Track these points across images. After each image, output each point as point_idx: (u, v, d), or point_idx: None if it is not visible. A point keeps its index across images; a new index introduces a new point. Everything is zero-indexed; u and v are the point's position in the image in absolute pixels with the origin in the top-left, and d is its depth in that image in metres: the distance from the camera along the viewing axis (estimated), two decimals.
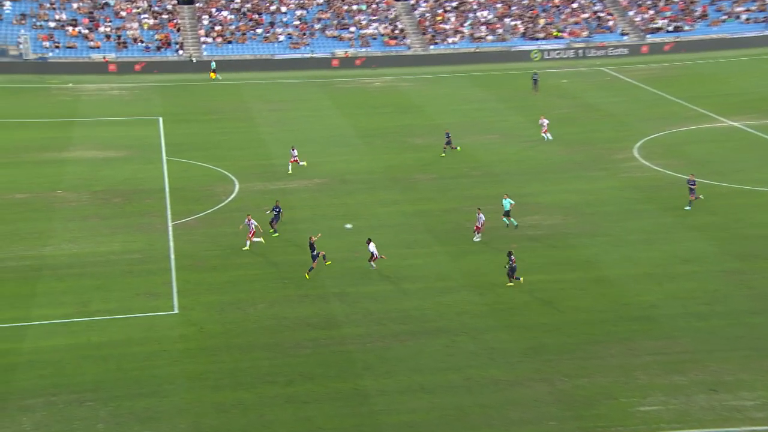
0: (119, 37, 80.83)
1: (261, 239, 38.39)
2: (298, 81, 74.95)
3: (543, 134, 53.92)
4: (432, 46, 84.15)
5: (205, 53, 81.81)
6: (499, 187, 45.74)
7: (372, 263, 36.01)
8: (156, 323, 32.37)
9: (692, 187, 41.11)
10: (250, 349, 30.37)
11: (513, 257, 34.45)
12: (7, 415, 26.66)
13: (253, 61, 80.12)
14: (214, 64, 76.77)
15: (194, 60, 79.58)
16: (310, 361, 29.58)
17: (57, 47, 78.96)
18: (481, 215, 38.77)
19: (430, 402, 27.29)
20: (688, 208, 41.36)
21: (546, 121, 54.71)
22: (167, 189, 46.67)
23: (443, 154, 51.24)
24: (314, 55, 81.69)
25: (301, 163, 49.58)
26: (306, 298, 34.41)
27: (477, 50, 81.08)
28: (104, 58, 78.46)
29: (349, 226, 38.85)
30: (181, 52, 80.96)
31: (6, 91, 69.73)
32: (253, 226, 37.81)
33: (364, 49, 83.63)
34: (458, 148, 51.80)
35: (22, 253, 38.03)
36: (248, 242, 37.95)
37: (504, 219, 39.80)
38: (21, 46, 78.38)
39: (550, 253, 37.40)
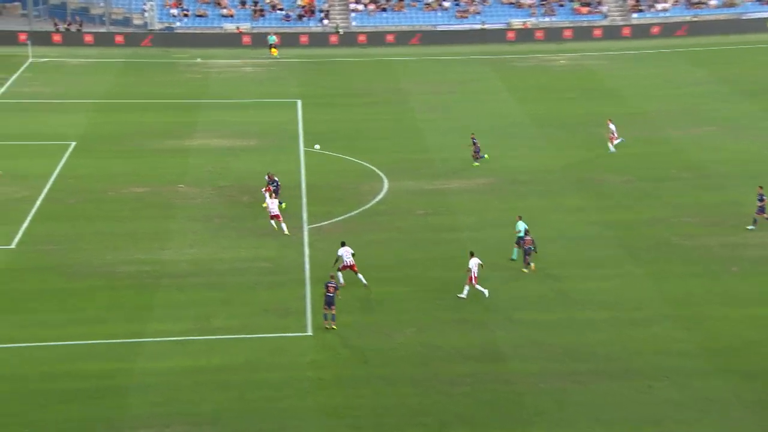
0: (256, 3, 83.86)
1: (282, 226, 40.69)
2: (463, 58, 75.16)
3: (610, 143, 51.23)
4: (635, 15, 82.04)
5: (353, 23, 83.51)
6: (716, 194, 43.97)
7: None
8: (286, 346, 33.17)
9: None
10: (396, 383, 30.58)
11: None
12: None
13: (411, 33, 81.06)
14: (273, 37, 76.93)
15: (341, 32, 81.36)
16: (468, 401, 29.52)
17: (185, 15, 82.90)
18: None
19: None
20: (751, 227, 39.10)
21: (613, 127, 51.49)
22: (303, 186, 47.81)
23: (476, 164, 49.89)
24: (485, 27, 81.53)
25: (482, 156, 49.45)
26: (464, 323, 34.39)
27: (694, 19, 78.24)
28: (238, 28, 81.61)
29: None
30: (326, 22, 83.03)
31: (128, 67, 73.85)
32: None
33: (547, 19, 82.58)
34: (486, 156, 50.38)
35: (139, 257, 40.00)
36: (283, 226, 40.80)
37: (515, 249, 38.40)
38: (146, 14, 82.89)
39: None
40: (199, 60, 75.42)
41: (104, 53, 77.12)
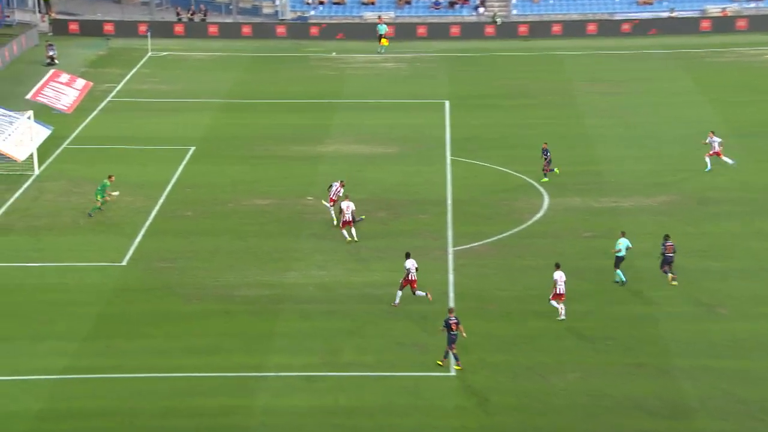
0: None
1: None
2: (646, 52, 73.77)
3: (707, 157, 49.81)
4: None
5: (514, 11, 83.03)
6: None
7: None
8: (424, 387, 32.98)
9: None
10: None
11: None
12: None
13: (582, 23, 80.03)
14: (384, 26, 76.69)
15: (499, 21, 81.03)
16: None
17: (321, 3, 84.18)
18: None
19: None
20: None
21: (717, 140, 49.86)
22: (449, 201, 47.73)
23: (545, 179, 49.14)
24: (674, 15, 79.60)
25: (551, 170, 49.38)
26: (639, 369, 33.58)
27: None
28: (379, 17, 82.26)
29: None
30: (481, 10, 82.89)
31: (255, 61, 75.40)
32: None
33: (753, 5, 79.81)
34: (556, 170, 49.24)
35: (260, 278, 40.60)
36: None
37: (617, 271, 38.97)
38: (277, 3, 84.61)
39: None
40: (334, 54, 76.38)
41: (229, 46, 79.05)
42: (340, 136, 57.58)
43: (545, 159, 49.77)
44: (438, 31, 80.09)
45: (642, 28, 78.15)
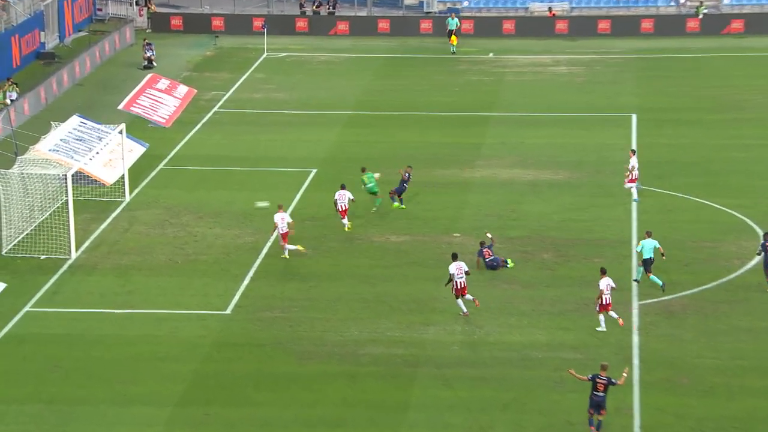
0: None
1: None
2: None
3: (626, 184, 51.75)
4: None
5: (725, 1, 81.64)
6: None
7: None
8: None
9: None
10: None
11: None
12: None
13: None
14: (456, 21, 76.54)
15: (701, 14, 79.86)
16: None
17: None
18: None
19: None
20: None
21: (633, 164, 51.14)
22: (634, 242, 47.05)
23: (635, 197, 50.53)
24: None
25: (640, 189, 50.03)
26: None
27: None
28: (550, 10, 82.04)
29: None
30: (681, 0, 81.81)
31: (392, 64, 75.88)
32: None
33: None
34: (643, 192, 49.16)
35: (393, 334, 40.42)
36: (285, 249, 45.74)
37: (651, 277, 42.08)
38: None
39: None
40: (491, 55, 76.31)
41: (362, 45, 79.76)
42: (494, 158, 57.40)
43: (630, 172, 50.50)
44: (625, 27, 79.42)
45: None
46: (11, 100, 63.12)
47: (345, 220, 48.73)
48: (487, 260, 44.67)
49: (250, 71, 74.23)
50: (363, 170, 50.65)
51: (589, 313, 40.96)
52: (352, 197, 48.74)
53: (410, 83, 71.24)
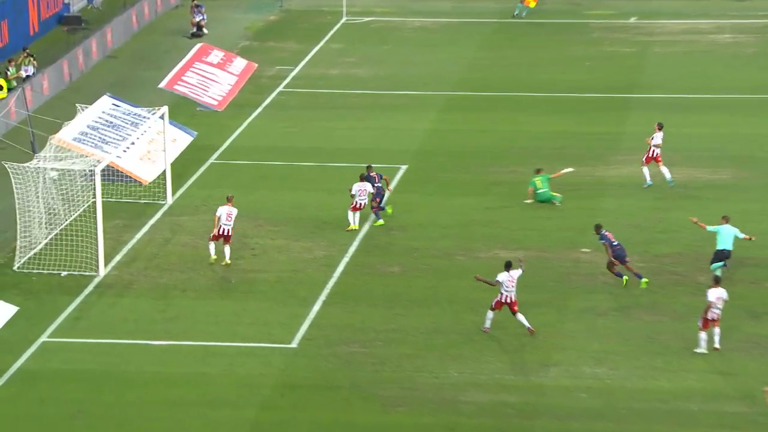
0: None
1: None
2: None
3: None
4: None
5: None
6: None
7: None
8: None
9: None
10: None
11: None
12: None
13: None
14: None
15: None
16: None
17: None
18: None
19: None
20: None
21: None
22: None
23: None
24: None
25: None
26: None
27: None
28: None
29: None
30: None
31: (503, 32, 75.68)
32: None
33: None
34: None
35: (502, 376, 40.02)
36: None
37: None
38: None
39: None
40: (633, 20, 75.78)
41: (466, 8, 79.80)
42: (636, 152, 56.82)
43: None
44: None
45: None
46: (27, 76, 63.51)
47: (353, 217, 49.59)
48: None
49: (324, 41, 74.38)
50: (538, 171, 50.80)
51: (760, 354, 40.53)
52: (371, 189, 49.39)
53: (527, 56, 71.17)
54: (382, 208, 50.77)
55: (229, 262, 47.00)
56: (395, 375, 40.12)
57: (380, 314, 43.97)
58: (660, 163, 53.46)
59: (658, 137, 53.27)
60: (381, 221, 50.48)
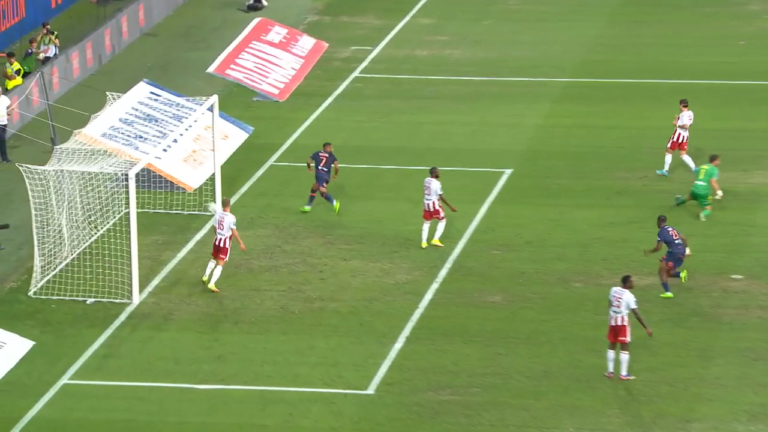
0: None
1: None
2: None
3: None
4: None
5: None
6: None
7: None
8: None
9: None
10: None
11: None
12: None
13: None
14: None
15: None
16: None
17: None
18: None
19: None
20: None
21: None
22: None
23: None
24: None
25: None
26: None
27: None
28: None
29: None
30: None
31: (637, 7, 75.69)
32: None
33: None
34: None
35: (605, 421, 40.39)
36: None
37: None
38: None
39: None
40: None
41: None
42: None
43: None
44: None
45: None
46: (47, 57, 64.03)
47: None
48: None
49: (411, 15, 74.69)
50: (712, 160, 51.89)
51: None
52: (440, 191, 49.67)
53: (664, 34, 71.51)
54: (329, 199, 52.70)
55: (213, 287, 47.34)
56: (496, 430, 40.28)
57: (477, 354, 44.11)
58: (684, 151, 54.02)
59: (684, 117, 53.79)
60: (308, 208, 52.84)
